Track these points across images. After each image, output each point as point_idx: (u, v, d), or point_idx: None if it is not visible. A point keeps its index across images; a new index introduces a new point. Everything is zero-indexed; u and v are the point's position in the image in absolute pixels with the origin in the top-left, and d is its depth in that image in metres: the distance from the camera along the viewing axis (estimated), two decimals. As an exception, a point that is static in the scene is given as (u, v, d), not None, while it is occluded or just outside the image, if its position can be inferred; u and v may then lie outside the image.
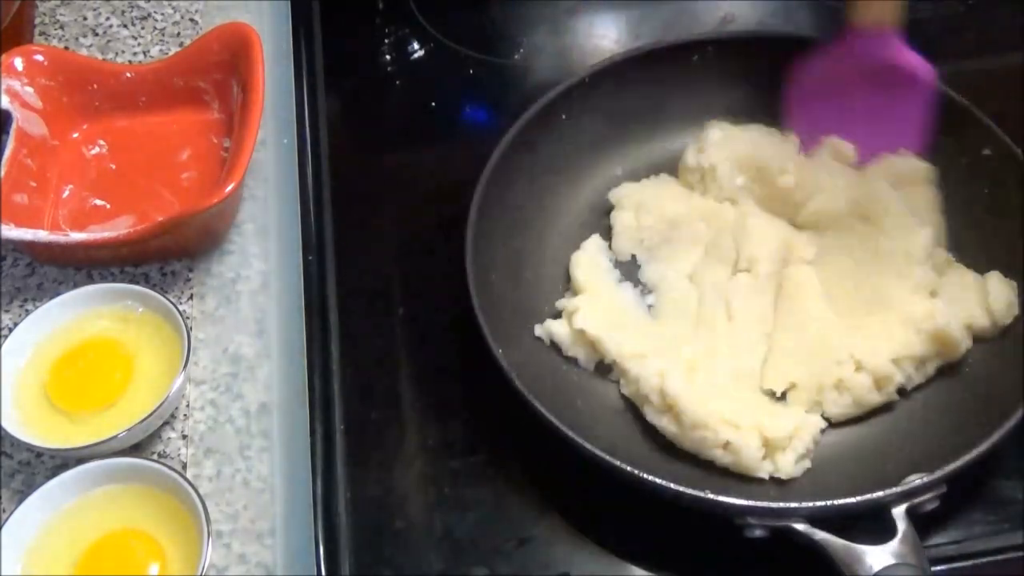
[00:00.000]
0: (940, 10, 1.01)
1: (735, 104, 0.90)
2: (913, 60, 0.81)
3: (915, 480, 0.66)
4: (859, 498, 0.65)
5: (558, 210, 0.87)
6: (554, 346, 0.79)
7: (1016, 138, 0.81)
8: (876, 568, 0.62)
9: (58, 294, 0.76)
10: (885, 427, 0.75)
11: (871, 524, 0.65)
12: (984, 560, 0.69)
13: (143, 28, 0.99)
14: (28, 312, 0.76)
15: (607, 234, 0.86)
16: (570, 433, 0.69)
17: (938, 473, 0.66)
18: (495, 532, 0.72)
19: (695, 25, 1.04)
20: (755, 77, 0.89)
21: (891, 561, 0.62)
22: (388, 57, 1.04)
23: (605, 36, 1.04)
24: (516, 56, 1.03)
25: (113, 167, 0.88)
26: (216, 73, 0.88)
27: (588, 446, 0.68)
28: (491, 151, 0.82)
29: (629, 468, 0.68)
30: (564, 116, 0.87)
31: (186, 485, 0.66)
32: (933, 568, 0.65)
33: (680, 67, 0.90)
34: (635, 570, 0.70)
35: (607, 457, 0.68)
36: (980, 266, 0.80)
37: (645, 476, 0.67)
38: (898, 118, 0.83)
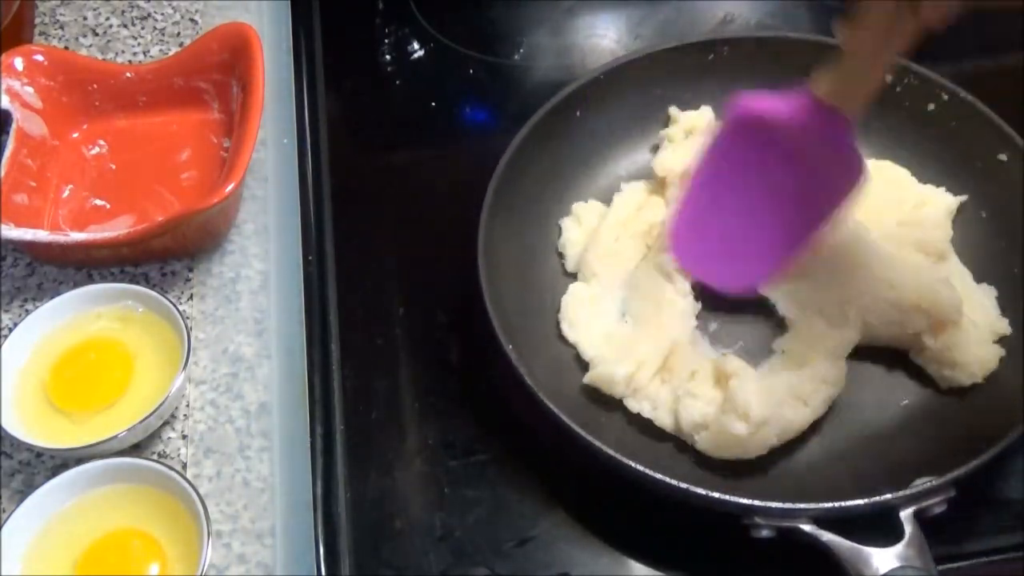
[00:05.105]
0: (940, 10, 1.01)
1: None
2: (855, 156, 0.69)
3: (924, 483, 0.66)
4: (868, 500, 0.65)
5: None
6: (562, 339, 0.79)
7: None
8: (883, 570, 0.62)
9: (58, 294, 0.76)
10: (893, 429, 0.75)
11: (878, 526, 0.64)
12: (985, 560, 0.69)
13: (143, 28, 0.99)
14: (28, 312, 0.76)
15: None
16: (582, 432, 0.68)
17: (947, 476, 0.65)
18: (495, 532, 0.72)
19: (695, 25, 1.04)
20: (768, 77, 0.89)
21: (897, 564, 0.62)
22: (388, 57, 1.04)
23: (605, 36, 1.04)
24: (516, 56, 1.03)
25: (113, 167, 0.88)
26: (216, 73, 0.87)
27: (605, 448, 0.68)
28: (491, 151, 0.82)
29: (642, 468, 0.67)
30: (578, 113, 0.86)
31: (186, 485, 0.66)
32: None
33: (695, 67, 0.89)
34: (637, 569, 0.70)
35: (621, 457, 0.68)
36: (985, 273, 0.80)
37: (653, 474, 0.67)
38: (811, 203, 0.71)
